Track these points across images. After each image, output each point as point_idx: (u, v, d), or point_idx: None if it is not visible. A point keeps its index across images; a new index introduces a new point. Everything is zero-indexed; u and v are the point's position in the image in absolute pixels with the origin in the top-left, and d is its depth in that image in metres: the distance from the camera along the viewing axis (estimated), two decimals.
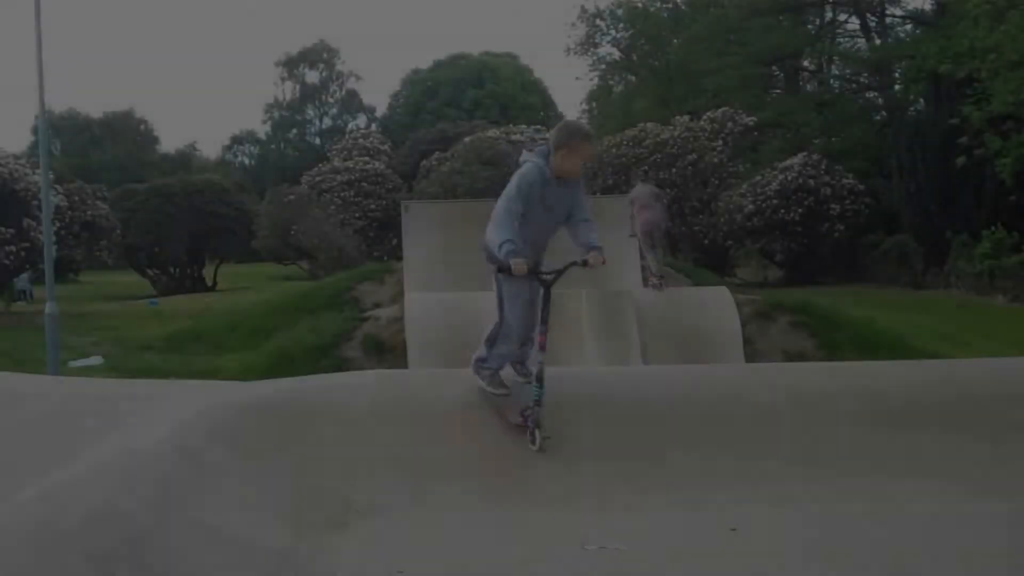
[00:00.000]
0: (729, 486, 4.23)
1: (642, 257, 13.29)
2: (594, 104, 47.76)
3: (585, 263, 4.54)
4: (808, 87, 39.10)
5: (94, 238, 27.01)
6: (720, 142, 28.13)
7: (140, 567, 2.78)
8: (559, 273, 4.54)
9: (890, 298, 22.40)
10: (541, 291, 4.53)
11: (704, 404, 4.74)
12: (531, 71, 62.60)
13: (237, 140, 70.75)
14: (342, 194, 32.06)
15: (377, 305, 14.75)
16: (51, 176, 18.76)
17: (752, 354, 11.68)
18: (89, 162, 56.56)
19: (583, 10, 41.95)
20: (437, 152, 33.86)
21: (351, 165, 33.77)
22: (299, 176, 37.47)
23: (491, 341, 4.70)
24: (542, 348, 4.49)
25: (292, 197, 31.29)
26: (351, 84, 68.82)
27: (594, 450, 4.42)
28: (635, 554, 3.56)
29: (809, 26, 37.74)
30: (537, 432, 4.40)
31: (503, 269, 4.39)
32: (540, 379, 4.44)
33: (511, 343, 4.65)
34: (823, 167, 28.37)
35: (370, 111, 67.99)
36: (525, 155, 4.60)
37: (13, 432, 4.16)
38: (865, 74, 35.43)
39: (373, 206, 32.10)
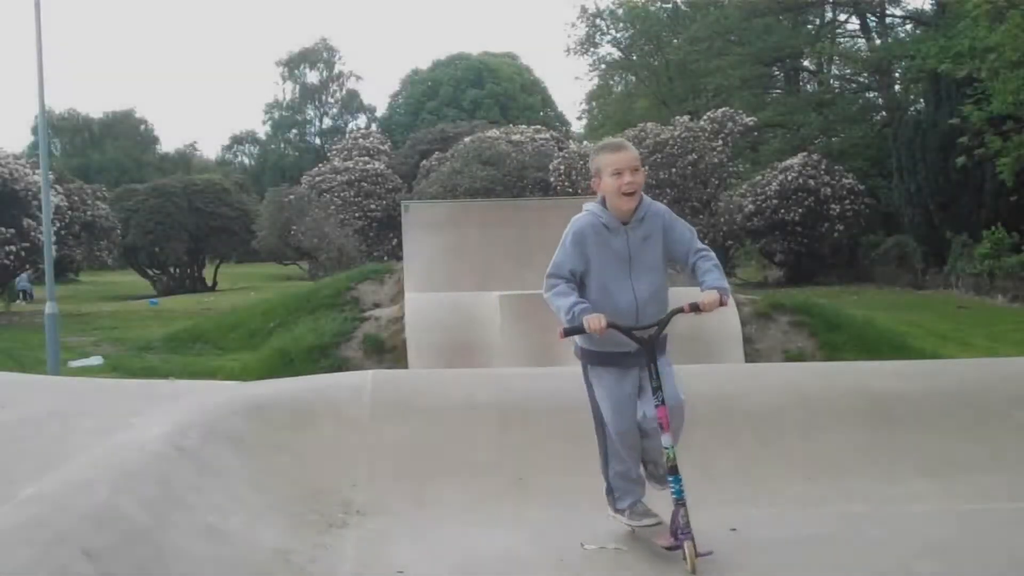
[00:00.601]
0: (729, 486, 4.22)
1: None
2: (594, 104, 47.79)
3: (696, 308, 3.43)
4: (808, 87, 39.15)
5: (94, 238, 27.05)
6: (720, 142, 28.15)
7: (140, 566, 2.78)
8: (661, 325, 3.48)
9: (890, 298, 22.41)
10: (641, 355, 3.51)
11: (704, 404, 4.74)
12: (531, 71, 62.67)
13: (237, 140, 70.87)
14: (342, 194, 32.09)
15: (377, 305, 14.75)
16: (51, 176, 18.78)
17: (752, 354, 11.67)
18: (89, 162, 56.66)
19: (583, 10, 42.04)
20: (437, 152, 33.90)
21: (351, 165, 33.80)
22: (299, 176, 37.52)
23: (604, 463, 3.73)
24: (664, 426, 3.41)
25: (292, 197, 31.33)
26: (351, 84, 68.93)
27: (594, 449, 4.41)
28: (635, 554, 3.56)
29: (809, 26, 37.79)
30: (688, 547, 3.29)
31: (572, 332, 3.44)
32: (673, 469, 3.41)
33: (623, 458, 3.65)
34: (823, 167, 28.39)
35: (370, 111, 68.08)
36: (587, 205, 3.69)
37: (13, 431, 4.16)
38: (865, 74, 35.48)
39: (373, 206, 32.13)
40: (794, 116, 33.91)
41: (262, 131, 69.71)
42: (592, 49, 43.19)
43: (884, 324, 14.24)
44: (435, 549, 3.64)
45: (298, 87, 68.41)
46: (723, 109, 30.13)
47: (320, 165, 36.00)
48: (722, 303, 3.43)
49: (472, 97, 56.32)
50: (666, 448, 3.40)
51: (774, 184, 28.28)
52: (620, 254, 3.53)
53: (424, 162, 34.14)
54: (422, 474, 4.27)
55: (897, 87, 34.08)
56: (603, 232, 3.54)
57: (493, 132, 33.95)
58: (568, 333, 3.45)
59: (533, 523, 3.91)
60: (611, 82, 46.76)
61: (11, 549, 2.52)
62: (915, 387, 4.91)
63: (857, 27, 37.36)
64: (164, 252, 37.11)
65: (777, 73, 39.50)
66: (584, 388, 3.74)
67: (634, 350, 3.47)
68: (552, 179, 29.01)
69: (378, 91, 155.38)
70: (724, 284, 3.49)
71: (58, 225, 22.03)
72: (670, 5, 42.09)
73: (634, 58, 43.00)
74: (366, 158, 34.88)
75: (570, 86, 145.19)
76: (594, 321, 3.35)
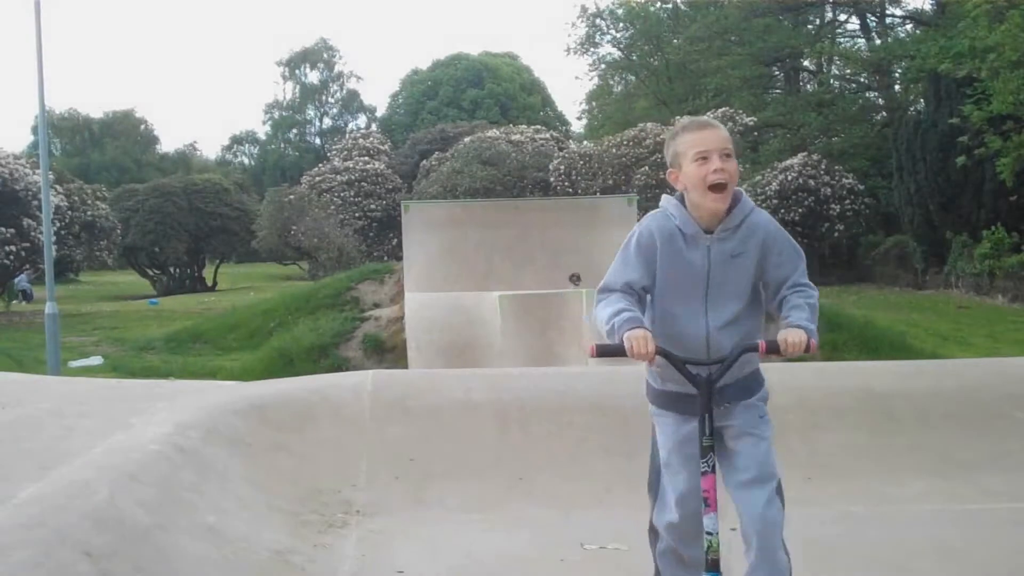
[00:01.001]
0: None
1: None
2: (594, 104, 47.78)
3: (775, 350, 2.60)
4: (808, 87, 39.13)
5: (94, 238, 27.05)
6: None
7: (140, 566, 2.78)
8: (726, 365, 2.63)
9: (890, 298, 22.42)
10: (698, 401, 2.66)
11: None
12: (531, 71, 62.64)
13: (237, 140, 70.82)
14: (342, 194, 32.12)
15: (377, 305, 14.76)
16: (51, 176, 18.79)
17: None
18: (89, 162, 56.61)
19: (583, 10, 42.01)
20: (437, 152, 33.92)
21: (351, 165, 33.82)
22: (299, 176, 37.53)
23: (651, 533, 3.08)
24: (708, 503, 2.61)
25: (292, 197, 31.33)
26: (351, 84, 68.94)
27: (594, 449, 4.42)
28: (635, 554, 3.56)
29: (809, 26, 37.77)
30: None
31: (606, 352, 2.60)
32: (714, 564, 2.64)
33: (674, 528, 2.84)
34: (823, 167, 28.40)
35: (370, 111, 68.05)
36: (663, 199, 2.83)
37: (13, 431, 4.16)
38: (865, 74, 35.45)
39: (373, 206, 32.15)
40: (794, 116, 33.87)
41: (262, 131, 69.77)
42: (592, 49, 43.18)
43: (884, 324, 14.25)
44: (435, 549, 3.64)
45: (298, 87, 68.43)
46: (723, 109, 30.14)
47: (320, 165, 36.01)
48: (809, 348, 2.59)
49: (472, 97, 56.29)
50: (708, 534, 2.60)
51: (774, 184, 28.28)
52: (696, 272, 2.68)
53: (424, 162, 34.15)
54: (422, 474, 4.27)
55: (897, 87, 34.07)
56: (677, 240, 2.69)
57: (493, 132, 33.98)
58: (601, 352, 2.56)
59: (533, 523, 3.91)
60: (611, 82, 46.73)
61: (11, 549, 2.52)
62: (916, 387, 4.91)
63: (857, 27, 37.38)
64: (164, 252, 37.07)
65: (777, 73, 39.48)
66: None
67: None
68: (552, 179, 29.03)
69: (378, 91, 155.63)
70: (813, 327, 2.63)
71: (58, 225, 22.03)
72: (670, 5, 42.08)
73: (634, 58, 42.96)
74: (366, 158, 34.89)
75: (570, 86, 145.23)
76: (638, 341, 2.50)
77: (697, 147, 2.66)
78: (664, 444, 2.82)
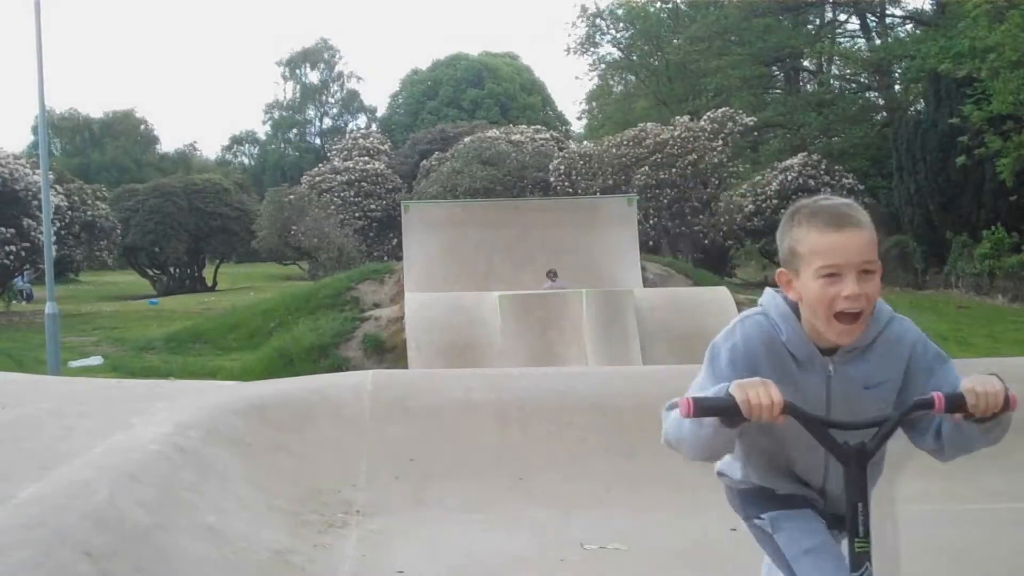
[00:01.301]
0: None
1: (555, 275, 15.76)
2: (594, 104, 47.82)
3: (959, 406, 1.84)
4: (808, 87, 39.16)
5: (94, 238, 27.08)
6: (720, 142, 28.17)
7: (140, 566, 2.78)
8: (885, 431, 1.93)
9: (890, 298, 22.20)
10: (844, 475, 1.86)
11: None
12: (531, 71, 62.66)
13: (237, 140, 70.83)
14: (342, 194, 32.14)
15: (377, 305, 14.77)
16: (51, 176, 18.80)
17: None
18: (89, 162, 56.64)
19: (583, 10, 42.05)
20: (437, 152, 33.95)
21: (351, 165, 33.84)
22: (299, 176, 37.56)
23: None
24: None
25: (292, 197, 31.35)
26: (351, 84, 68.95)
27: (594, 449, 4.42)
28: (635, 554, 3.56)
29: (809, 26, 37.81)
30: None
31: (709, 409, 1.74)
32: None
33: None
34: (823, 167, 28.41)
35: (370, 111, 68.06)
36: (766, 294, 2.01)
37: (13, 431, 4.16)
38: (865, 74, 35.48)
39: (373, 206, 32.17)
40: (794, 116, 33.91)
41: (262, 131, 69.79)
42: (592, 49, 43.24)
43: None
44: (435, 549, 3.64)
45: (298, 87, 68.43)
46: (723, 109, 30.16)
47: (320, 165, 36.04)
48: (1010, 404, 1.85)
49: (472, 97, 56.29)
50: None
51: (774, 184, 28.30)
52: (810, 402, 1.87)
53: (424, 162, 34.18)
54: (422, 474, 4.26)
55: (897, 87, 34.12)
56: (785, 360, 1.91)
57: (493, 132, 34.02)
58: (700, 409, 1.73)
59: (533, 523, 3.91)
60: (611, 82, 46.77)
61: (11, 549, 2.52)
62: None
63: (857, 27, 37.43)
64: (164, 252, 37.09)
65: (777, 73, 39.52)
66: None
67: (820, 490, 1.99)
68: (552, 179, 29.05)
69: (378, 91, 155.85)
70: (999, 389, 1.83)
71: (58, 225, 22.05)
72: (670, 5, 42.11)
73: (634, 58, 43.00)
74: (366, 158, 34.91)
75: (570, 86, 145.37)
76: (757, 389, 1.72)
77: (826, 259, 1.82)
78: (788, 553, 1.96)
